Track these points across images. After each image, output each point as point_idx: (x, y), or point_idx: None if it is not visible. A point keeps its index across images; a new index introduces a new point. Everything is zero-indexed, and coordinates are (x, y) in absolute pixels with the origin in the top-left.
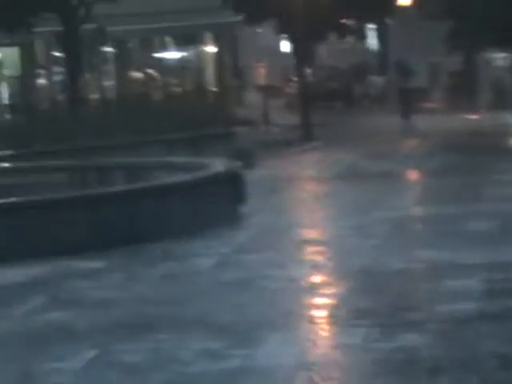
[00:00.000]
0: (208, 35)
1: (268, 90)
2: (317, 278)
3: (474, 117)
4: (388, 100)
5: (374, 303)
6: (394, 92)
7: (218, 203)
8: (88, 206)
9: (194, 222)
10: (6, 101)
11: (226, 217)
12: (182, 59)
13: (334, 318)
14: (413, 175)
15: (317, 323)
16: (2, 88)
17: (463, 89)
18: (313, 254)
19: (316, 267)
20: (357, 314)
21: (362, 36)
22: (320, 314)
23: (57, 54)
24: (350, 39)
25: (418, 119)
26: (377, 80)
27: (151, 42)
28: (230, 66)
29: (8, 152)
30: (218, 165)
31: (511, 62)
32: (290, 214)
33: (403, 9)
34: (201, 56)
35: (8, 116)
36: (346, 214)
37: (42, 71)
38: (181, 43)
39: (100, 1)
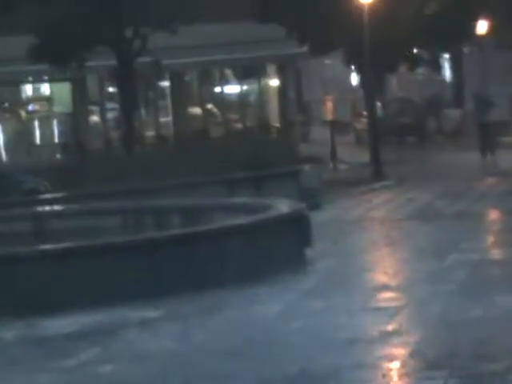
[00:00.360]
0: (271, 67)
1: (335, 126)
2: (389, 327)
3: None
4: (464, 135)
5: (450, 353)
6: (471, 126)
7: (283, 247)
8: (143, 251)
9: (256, 266)
10: (56, 139)
11: (291, 261)
12: (242, 93)
13: (408, 370)
14: (491, 215)
15: (391, 376)
16: (53, 126)
17: None
18: (384, 300)
19: (388, 315)
20: (433, 365)
21: (435, 66)
22: (393, 366)
23: (110, 89)
24: (422, 70)
25: (498, 155)
26: (452, 113)
27: (210, 75)
28: (295, 99)
29: (59, 194)
30: (283, 206)
31: None
32: (359, 257)
33: (479, 37)
34: (263, 90)
35: (59, 156)
36: (420, 257)
37: (94, 108)
38: (242, 76)
39: (156, 33)
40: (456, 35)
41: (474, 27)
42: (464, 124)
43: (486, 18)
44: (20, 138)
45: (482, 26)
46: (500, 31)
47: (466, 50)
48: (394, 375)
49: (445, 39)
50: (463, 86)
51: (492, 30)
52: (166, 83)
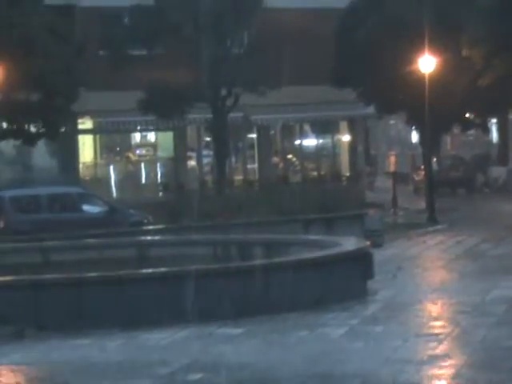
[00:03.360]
0: (343, 125)
1: (397, 177)
2: (437, 351)
3: None
4: (508, 189)
5: (488, 376)
6: None
7: (348, 278)
8: (230, 278)
9: (325, 294)
10: (159, 180)
11: (355, 291)
12: (318, 146)
13: None
14: None
15: None
16: (157, 168)
17: None
18: (435, 327)
19: (437, 340)
20: None
21: (484, 129)
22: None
23: (206, 138)
24: (473, 132)
25: None
26: (498, 170)
27: (291, 129)
28: (363, 153)
29: (160, 226)
30: (350, 243)
31: None
32: (413, 290)
33: None
34: (336, 143)
35: (161, 194)
36: (466, 292)
37: (192, 154)
38: (318, 131)
39: (246, 93)
40: (502, 103)
41: None
42: (508, 179)
43: None
44: (129, 178)
45: None
46: None
47: (511, 116)
48: None
49: (493, 106)
50: (508, 147)
51: None
52: (253, 135)
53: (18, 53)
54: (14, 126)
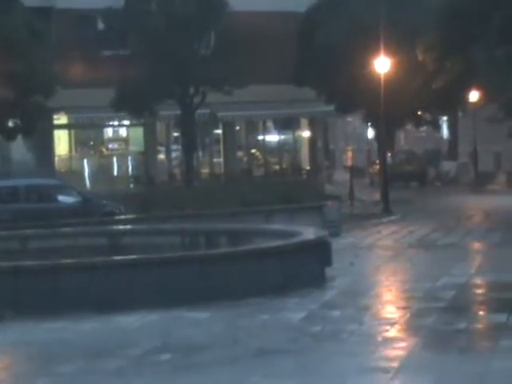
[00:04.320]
0: (304, 121)
1: (354, 170)
2: (390, 333)
3: None
4: (457, 182)
5: (438, 357)
6: (462, 175)
7: (308, 266)
8: (197, 265)
9: (286, 281)
10: (130, 173)
11: (315, 278)
12: (281, 141)
13: (404, 369)
14: (476, 247)
15: (389, 372)
16: (128, 162)
17: None
18: (388, 312)
19: (390, 324)
20: (424, 365)
21: (435, 126)
22: (392, 365)
23: (175, 134)
24: (425, 128)
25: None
26: (448, 164)
27: (255, 125)
28: (322, 148)
29: (130, 216)
30: (309, 233)
31: None
32: (369, 277)
33: (471, 104)
34: (297, 139)
35: (132, 186)
36: (418, 279)
37: (161, 148)
38: (280, 128)
39: (213, 91)
40: (453, 102)
41: (467, 97)
42: (457, 173)
43: (477, 89)
44: (101, 171)
45: (473, 96)
46: (487, 101)
47: (460, 114)
48: (392, 372)
49: (444, 105)
50: (457, 143)
51: (481, 99)
52: (219, 131)
53: None
54: None
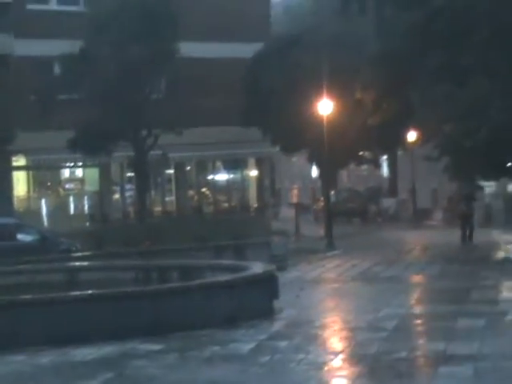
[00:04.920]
0: (251, 161)
1: (299, 207)
2: (335, 362)
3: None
4: (398, 218)
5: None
6: (402, 211)
7: (256, 299)
8: (150, 299)
9: (236, 313)
10: (86, 211)
11: (263, 310)
12: (229, 180)
13: None
14: (416, 279)
15: None
16: (84, 201)
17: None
18: (333, 342)
19: (335, 353)
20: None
21: (376, 165)
22: None
23: (129, 174)
24: (366, 167)
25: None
26: (388, 201)
27: (205, 165)
28: (269, 187)
29: (87, 253)
30: (257, 267)
31: (496, 190)
32: (314, 308)
33: (410, 143)
34: (245, 178)
35: (88, 224)
36: (361, 310)
37: (116, 188)
38: (229, 167)
39: (165, 133)
40: (392, 142)
41: (405, 136)
42: (397, 209)
43: (414, 129)
44: (59, 210)
45: (411, 136)
46: (424, 141)
47: (399, 153)
48: None
49: (383, 144)
50: (397, 181)
51: (419, 138)
52: (171, 171)
53: None
54: None
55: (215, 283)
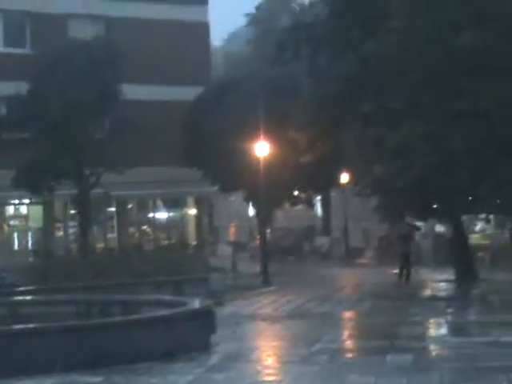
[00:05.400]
0: (190, 200)
1: (236, 245)
2: None
3: (396, 271)
4: (332, 256)
5: None
6: (335, 250)
7: (194, 333)
8: (90, 332)
9: (175, 347)
10: (30, 247)
11: (200, 344)
12: (169, 218)
13: None
14: (347, 315)
15: None
16: (28, 237)
17: (389, 249)
18: (266, 375)
19: None
20: None
21: (310, 204)
22: None
23: (72, 211)
24: (300, 206)
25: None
26: (322, 239)
27: (146, 204)
28: (207, 224)
29: (30, 287)
30: (195, 302)
31: (425, 230)
32: (249, 343)
33: (342, 184)
34: (184, 216)
35: (31, 259)
36: (294, 345)
37: (59, 224)
38: (169, 205)
39: (107, 172)
40: (325, 182)
41: (338, 177)
42: (330, 248)
43: (347, 171)
44: (2, 246)
45: (344, 177)
46: (356, 181)
47: (332, 193)
48: None
49: (317, 185)
50: (330, 220)
51: (352, 179)
52: (113, 209)
53: None
54: None
55: (154, 318)
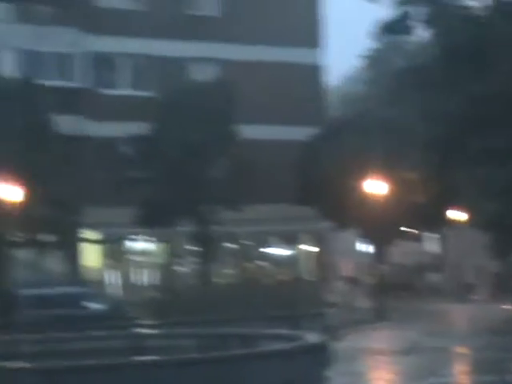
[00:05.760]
0: (304, 236)
1: (351, 280)
2: None
3: (508, 307)
4: (443, 292)
5: None
6: (448, 286)
7: (310, 367)
8: (212, 365)
9: (291, 380)
10: (151, 282)
11: (316, 377)
12: (284, 254)
13: None
14: (461, 350)
15: None
16: (150, 272)
17: (502, 285)
18: None
19: None
20: None
21: (420, 241)
22: None
23: (191, 247)
24: (411, 243)
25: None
26: (434, 275)
27: (262, 240)
28: (323, 260)
29: (151, 321)
30: (311, 336)
31: None
32: (364, 377)
33: (455, 222)
34: (299, 252)
35: (152, 293)
36: (408, 379)
37: (179, 260)
38: (284, 242)
39: (225, 210)
40: (437, 220)
41: (450, 215)
42: (443, 284)
43: (459, 208)
44: (125, 280)
45: (456, 215)
46: (468, 219)
47: (445, 230)
48: None
49: (429, 223)
50: (443, 256)
51: (464, 217)
52: (230, 245)
53: (37, 178)
54: (30, 237)
55: (272, 351)
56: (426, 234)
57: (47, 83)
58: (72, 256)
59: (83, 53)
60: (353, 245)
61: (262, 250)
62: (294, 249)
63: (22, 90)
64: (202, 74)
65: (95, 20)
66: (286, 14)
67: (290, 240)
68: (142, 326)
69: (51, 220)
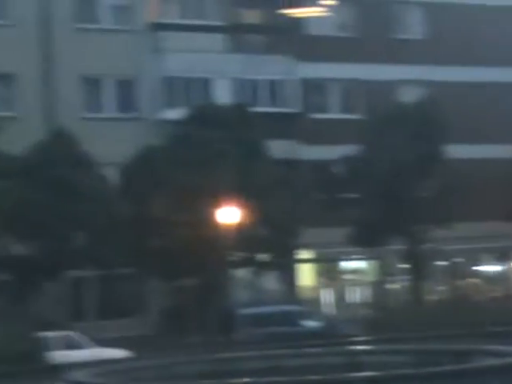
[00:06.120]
0: None
1: None
2: None
3: None
4: None
5: None
6: None
7: None
8: (424, 381)
9: None
10: (365, 299)
11: None
12: (497, 270)
13: None
14: None
15: None
16: (363, 290)
17: None
18: None
19: None
20: None
21: None
22: None
23: (403, 265)
24: None
25: None
26: None
27: (473, 257)
28: None
29: (365, 337)
30: None
31: None
32: None
33: None
34: (509, 269)
35: (365, 311)
36: None
37: (391, 278)
38: (496, 258)
39: (435, 227)
40: None
41: None
42: None
43: None
44: (339, 299)
45: None
46: None
47: None
48: None
49: None
50: None
51: None
52: (442, 262)
53: (253, 200)
54: (248, 257)
55: (485, 367)
56: None
57: (260, 110)
58: (288, 275)
59: (294, 79)
60: None
61: (473, 267)
62: (505, 265)
63: (237, 116)
64: (411, 96)
65: (306, 47)
66: (494, 33)
67: (501, 257)
68: (356, 342)
69: (268, 240)
